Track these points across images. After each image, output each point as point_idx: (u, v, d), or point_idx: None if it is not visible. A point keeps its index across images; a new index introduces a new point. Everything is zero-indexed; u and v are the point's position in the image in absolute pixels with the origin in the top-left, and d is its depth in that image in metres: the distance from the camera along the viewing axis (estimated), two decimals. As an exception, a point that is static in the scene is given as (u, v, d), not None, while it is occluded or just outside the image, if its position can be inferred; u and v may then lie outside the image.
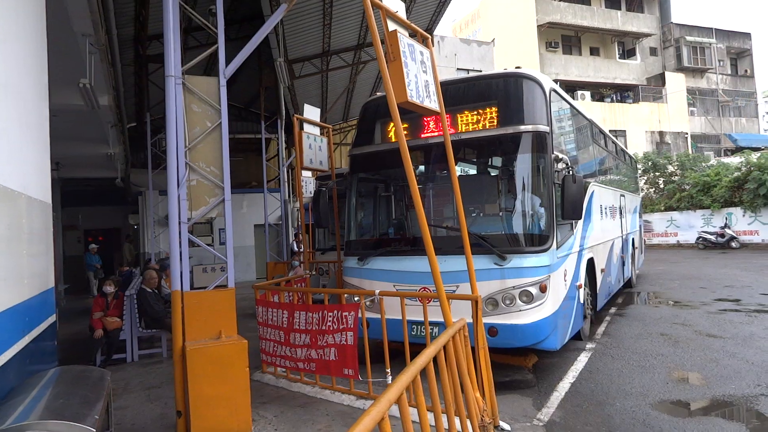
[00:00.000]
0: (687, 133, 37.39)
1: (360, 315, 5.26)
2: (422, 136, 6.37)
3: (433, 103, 4.63)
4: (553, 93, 6.24)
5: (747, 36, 41.78)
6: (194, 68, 4.94)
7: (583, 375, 5.95)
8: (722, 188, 24.36)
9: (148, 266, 9.97)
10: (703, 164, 28.15)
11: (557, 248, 5.80)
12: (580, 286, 6.74)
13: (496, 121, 5.99)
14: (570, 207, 5.68)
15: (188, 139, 4.75)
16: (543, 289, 5.57)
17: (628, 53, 38.08)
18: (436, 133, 6.27)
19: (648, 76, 37.90)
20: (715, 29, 40.00)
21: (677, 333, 7.65)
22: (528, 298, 5.52)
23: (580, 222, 6.78)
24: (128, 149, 13.07)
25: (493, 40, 33.88)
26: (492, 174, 6.58)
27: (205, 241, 19.80)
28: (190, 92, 4.76)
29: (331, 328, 5.47)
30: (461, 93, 6.34)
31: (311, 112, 7.89)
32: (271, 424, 4.86)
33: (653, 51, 38.56)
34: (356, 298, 5.97)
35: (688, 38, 38.31)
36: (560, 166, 5.85)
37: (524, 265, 5.52)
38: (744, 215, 23.40)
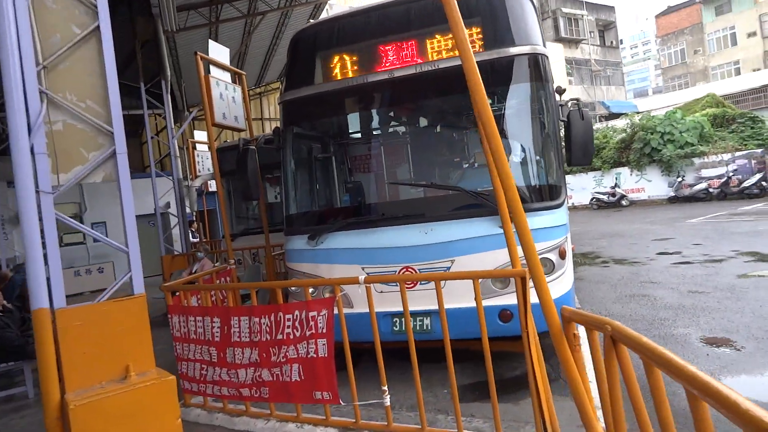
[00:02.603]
0: (568, 101, 39.18)
1: (336, 312, 3.69)
2: (380, 69, 4.81)
3: None
4: None
5: (611, 9, 44.72)
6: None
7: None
8: (610, 150, 25.48)
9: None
10: (590, 128, 29.36)
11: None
12: (573, 248, 5.66)
13: (479, 44, 4.60)
14: (580, 150, 4.50)
15: (42, 54, 2.81)
16: (563, 255, 4.36)
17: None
18: (401, 64, 4.74)
19: (530, 46, 39.01)
20: (585, 2, 42.19)
21: (657, 294, 6.93)
22: (548, 267, 4.27)
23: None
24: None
25: None
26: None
27: (73, 240, 16.60)
28: (37, -27, 2.81)
29: (292, 336, 3.83)
30: (428, 12, 4.86)
31: (219, 52, 5.97)
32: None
33: (533, 22, 39.73)
34: (326, 293, 4.39)
35: (564, 10, 39.98)
36: (564, 98, 4.64)
37: (537, 225, 4.23)
38: (631, 174, 24.62)
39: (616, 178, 25.10)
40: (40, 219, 2.66)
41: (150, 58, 10.57)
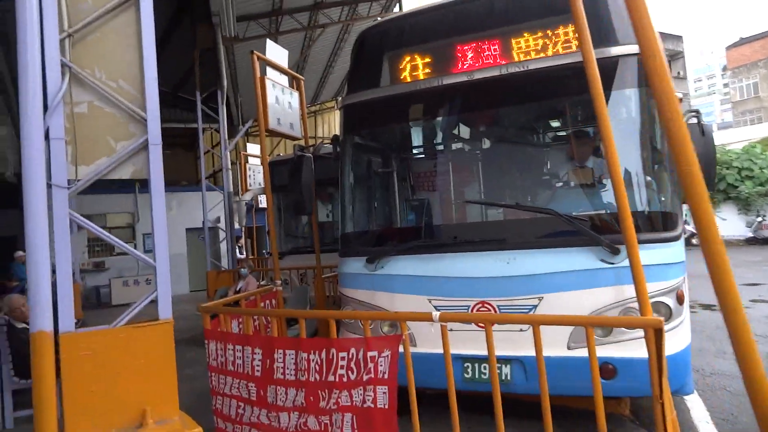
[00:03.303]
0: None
1: (402, 351, 2.99)
2: (457, 71, 4.16)
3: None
4: None
5: (679, 39, 42.93)
6: None
7: (721, 425, 3.94)
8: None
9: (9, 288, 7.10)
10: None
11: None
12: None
13: (575, 43, 3.89)
14: (704, 173, 3.68)
15: (68, 20, 2.31)
16: (681, 299, 3.52)
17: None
18: (481, 65, 4.08)
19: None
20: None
21: (765, 350, 5.88)
22: (664, 313, 3.44)
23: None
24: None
25: None
26: (580, 123, 4.39)
27: (120, 250, 16.60)
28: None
29: (346, 379, 3.15)
30: (514, 8, 4.20)
31: (277, 54, 5.50)
32: None
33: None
34: (385, 328, 3.72)
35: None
36: (683, 108, 3.85)
37: (651, 261, 3.42)
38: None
39: (686, 215, 23.45)
40: (55, 216, 2.11)
41: (209, 68, 10.37)
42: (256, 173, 10.70)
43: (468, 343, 3.62)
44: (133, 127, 2.43)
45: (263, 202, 13.40)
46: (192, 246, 16.88)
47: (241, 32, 10.60)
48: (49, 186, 2.13)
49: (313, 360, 3.30)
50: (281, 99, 5.38)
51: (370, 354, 3.06)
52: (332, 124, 23.92)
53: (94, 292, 15.92)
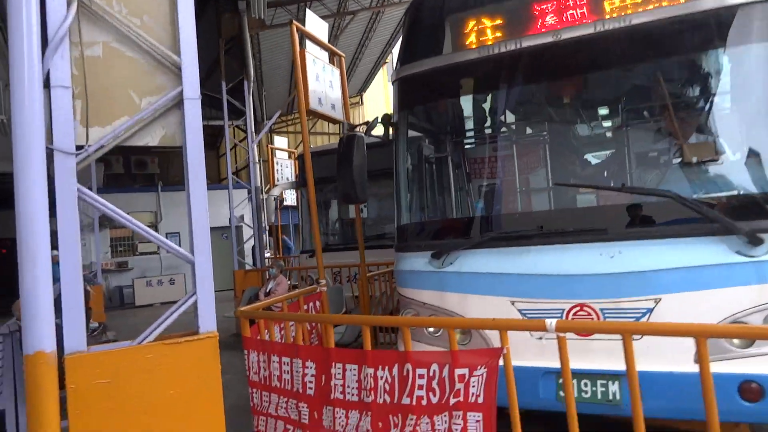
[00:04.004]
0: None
1: (502, 366, 2.34)
2: (538, 31, 3.48)
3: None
4: None
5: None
6: None
7: None
8: None
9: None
10: None
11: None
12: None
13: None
14: None
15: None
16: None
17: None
18: (568, 24, 3.40)
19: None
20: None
21: None
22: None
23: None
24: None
25: None
26: (706, 87, 3.58)
27: (147, 249, 16.27)
28: None
29: (426, 402, 2.52)
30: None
31: (317, 26, 4.88)
32: None
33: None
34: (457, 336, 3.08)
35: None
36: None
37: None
38: None
39: None
40: (53, 197, 1.51)
41: (233, 57, 9.83)
42: (283, 168, 10.15)
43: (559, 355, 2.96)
44: (163, 78, 1.83)
45: (289, 199, 12.86)
46: (215, 245, 16.39)
47: (268, 20, 10.06)
48: (49, 150, 1.53)
49: (381, 377, 2.67)
50: (322, 77, 4.75)
51: (458, 372, 2.41)
52: (356, 119, 23.34)
53: (118, 292, 15.65)
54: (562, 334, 2.22)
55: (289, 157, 11.27)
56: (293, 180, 10.22)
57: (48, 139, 1.56)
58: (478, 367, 2.38)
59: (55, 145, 1.56)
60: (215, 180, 20.49)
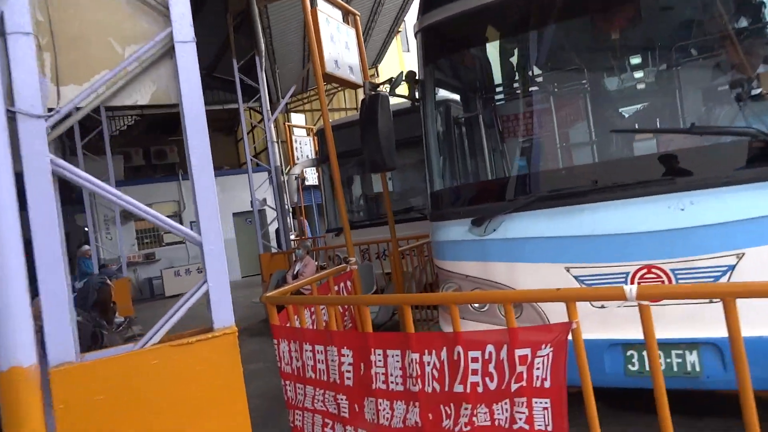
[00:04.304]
0: None
1: (574, 343, 1.99)
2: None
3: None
4: None
5: None
6: None
7: None
8: None
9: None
10: None
11: None
12: None
13: None
14: None
15: None
16: None
17: None
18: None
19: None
20: None
21: None
22: None
23: None
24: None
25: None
26: None
27: (172, 239, 16.22)
28: None
29: (482, 389, 2.20)
30: None
31: (327, -18, 4.49)
32: None
33: None
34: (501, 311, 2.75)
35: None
36: None
37: None
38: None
39: None
40: (19, 177, 1.20)
41: (243, 34, 9.46)
42: (302, 145, 9.83)
43: (627, 325, 2.59)
44: (147, 20, 1.49)
45: (310, 178, 12.57)
46: (240, 230, 16.31)
47: (276, -8, 9.63)
48: (9, 113, 1.21)
49: (428, 363, 2.35)
50: (337, 38, 4.37)
51: (519, 353, 2.08)
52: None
53: (147, 284, 15.72)
54: (645, 302, 1.85)
55: (308, 134, 10.95)
56: (313, 158, 9.93)
57: (8, 101, 1.25)
58: (543, 346, 2.03)
59: (17, 107, 1.25)
60: (235, 165, 20.33)
